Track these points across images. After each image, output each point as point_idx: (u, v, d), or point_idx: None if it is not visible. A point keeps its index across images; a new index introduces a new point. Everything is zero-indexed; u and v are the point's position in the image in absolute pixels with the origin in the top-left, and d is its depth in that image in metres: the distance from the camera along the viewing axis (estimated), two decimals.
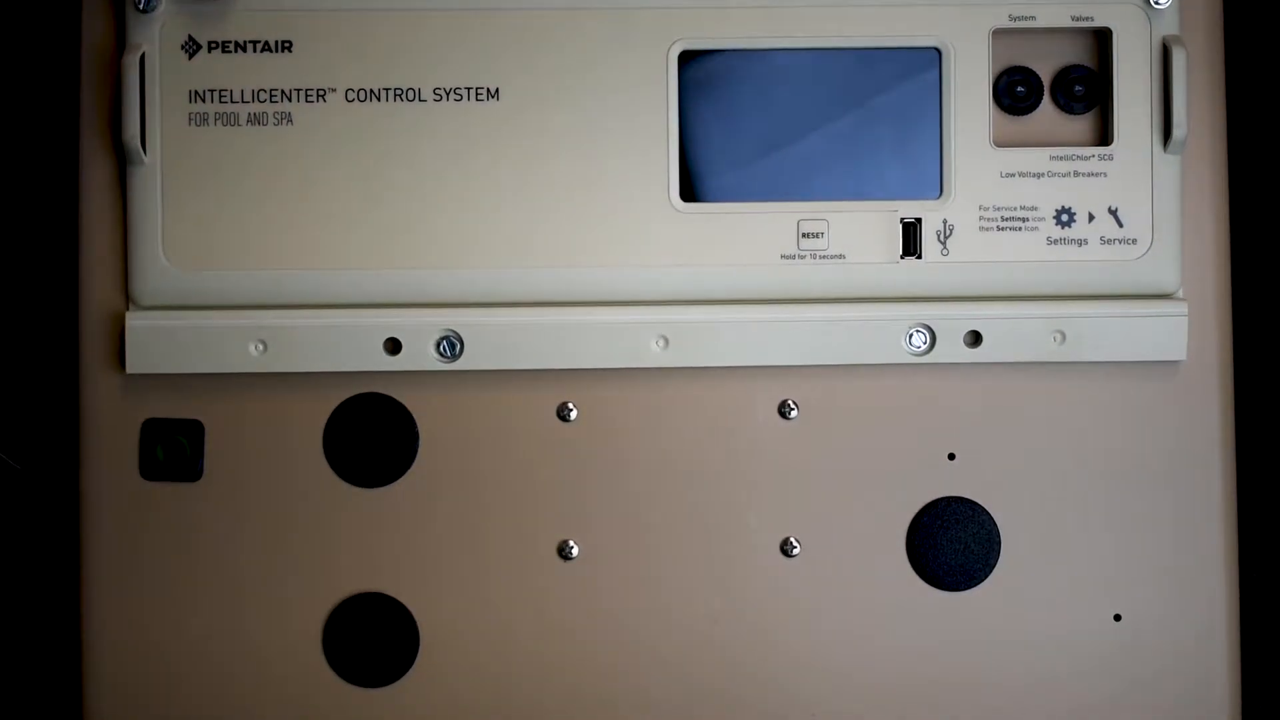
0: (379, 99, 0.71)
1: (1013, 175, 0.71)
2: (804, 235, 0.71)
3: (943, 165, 0.71)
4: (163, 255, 0.71)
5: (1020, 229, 0.71)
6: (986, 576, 0.72)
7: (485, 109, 0.71)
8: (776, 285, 0.71)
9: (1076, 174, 0.72)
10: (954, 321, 0.71)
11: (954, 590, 0.72)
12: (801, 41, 0.71)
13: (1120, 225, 0.72)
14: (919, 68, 0.71)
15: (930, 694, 0.72)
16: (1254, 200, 0.83)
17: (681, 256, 0.71)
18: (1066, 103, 0.72)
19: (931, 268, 0.71)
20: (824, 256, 0.71)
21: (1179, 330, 0.71)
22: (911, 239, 0.71)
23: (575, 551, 0.72)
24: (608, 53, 0.71)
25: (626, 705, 0.72)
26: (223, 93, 0.71)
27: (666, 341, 0.71)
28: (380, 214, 0.71)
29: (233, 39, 0.71)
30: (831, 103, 0.71)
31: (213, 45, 0.71)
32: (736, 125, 0.71)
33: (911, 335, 0.71)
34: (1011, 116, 0.72)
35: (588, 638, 0.72)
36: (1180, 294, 0.72)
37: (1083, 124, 0.72)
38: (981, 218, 0.71)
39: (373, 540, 0.72)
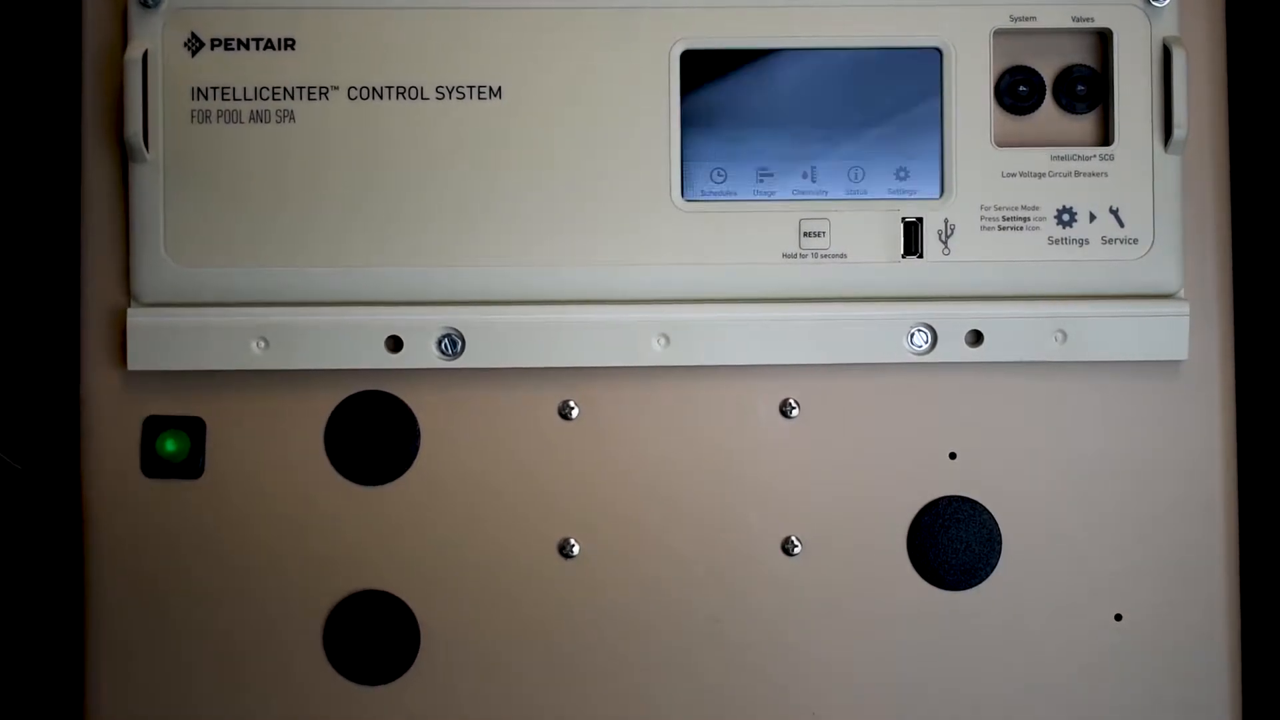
0: (381, 97, 0.71)
1: (1014, 175, 0.72)
2: (805, 234, 0.71)
3: (944, 165, 0.71)
4: (164, 252, 0.71)
5: (1021, 229, 0.71)
6: (987, 576, 0.72)
7: (487, 107, 0.71)
8: (778, 284, 0.71)
9: (1078, 174, 0.72)
10: (955, 321, 0.71)
11: (955, 589, 0.72)
12: (803, 41, 0.71)
13: (1121, 225, 0.72)
14: (920, 67, 0.71)
15: (931, 693, 0.72)
16: (1255, 200, 0.83)
17: (683, 255, 0.71)
18: (1068, 102, 0.72)
19: (933, 267, 0.71)
20: (825, 256, 0.71)
21: (1180, 330, 0.71)
22: (913, 238, 0.71)
23: (576, 550, 0.72)
24: (610, 52, 0.71)
25: (626, 703, 0.72)
26: (225, 90, 0.71)
27: (668, 340, 0.71)
28: (382, 212, 0.71)
29: (236, 36, 0.71)
30: (833, 101, 0.71)
31: (216, 42, 0.71)
32: (738, 123, 0.71)
33: (913, 334, 0.71)
34: (1013, 116, 0.72)
35: (588, 636, 0.72)
36: (1181, 294, 0.72)
37: (1084, 124, 0.73)
38: (983, 217, 0.71)
39: (374, 538, 0.72)
